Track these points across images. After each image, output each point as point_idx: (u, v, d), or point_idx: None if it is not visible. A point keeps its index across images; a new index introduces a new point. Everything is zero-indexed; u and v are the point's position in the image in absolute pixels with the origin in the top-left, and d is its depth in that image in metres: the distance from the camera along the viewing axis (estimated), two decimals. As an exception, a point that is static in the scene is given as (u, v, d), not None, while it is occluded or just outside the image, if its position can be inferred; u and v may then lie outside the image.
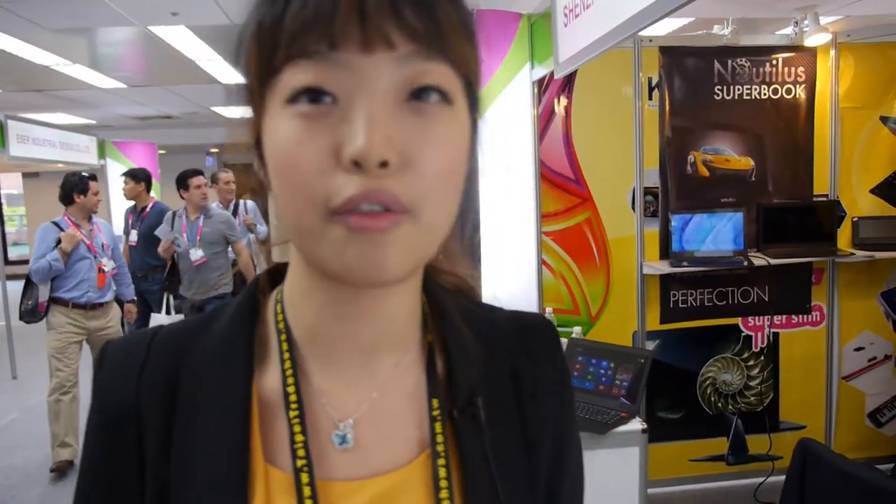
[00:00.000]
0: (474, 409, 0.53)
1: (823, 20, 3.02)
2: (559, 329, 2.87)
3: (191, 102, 8.62)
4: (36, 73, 6.21)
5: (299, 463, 0.49)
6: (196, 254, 4.21)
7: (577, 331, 2.66)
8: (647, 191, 3.06)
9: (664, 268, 2.98)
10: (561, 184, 3.05)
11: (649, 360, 2.27)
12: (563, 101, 3.05)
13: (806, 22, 3.02)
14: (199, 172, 4.34)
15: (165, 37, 5.07)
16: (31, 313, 3.83)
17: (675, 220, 3.04)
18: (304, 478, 0.49)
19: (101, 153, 7.75)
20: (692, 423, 3.24)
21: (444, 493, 0.51)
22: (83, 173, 4.06)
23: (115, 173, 8.48)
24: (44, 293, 3.79)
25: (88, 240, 3.88)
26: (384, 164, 0.41)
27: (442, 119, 0.44)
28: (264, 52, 0.44)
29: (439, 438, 0.52)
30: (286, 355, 0.52)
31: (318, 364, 0.53)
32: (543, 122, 3.04)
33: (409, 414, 0.54)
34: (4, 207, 13.47)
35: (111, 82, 6.82)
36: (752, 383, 3.28)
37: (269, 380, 0.53)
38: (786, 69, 3.11)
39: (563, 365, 0.61)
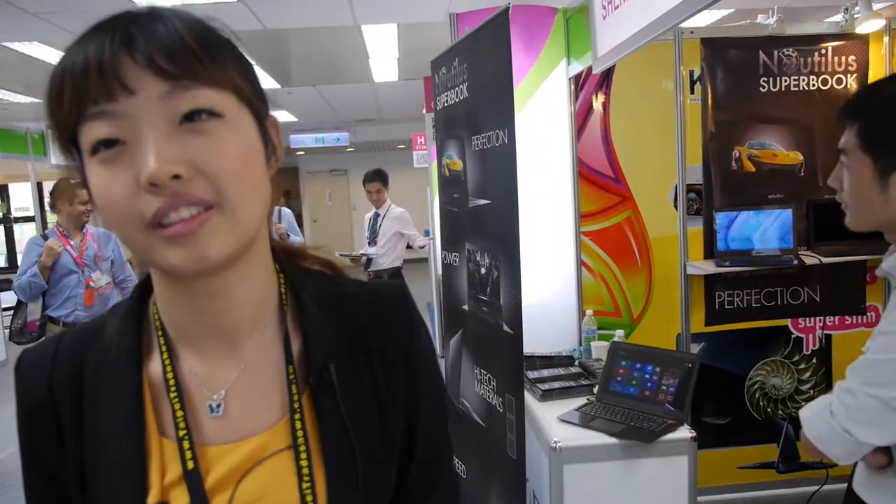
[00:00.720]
0: (327, 374, 0.64)
1: (876, 5, 2.87)
2: (600, 332, 2.79)
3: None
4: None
5: (181, 433, 0.61)
6: None
7: (619, 334, 2.57)
8: (690, 188, 2.95)
9: (709, 268, 2.87)
10: (600, 182, 2.96)
11: (697, 365, 2.17)
12: (601, 97, 2.96)
13: (857, 8, 2.88)
14: None
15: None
16: (19, 333, 3.58)
17: (720, 218, 2.93)
18: (186, 444, 0.60)
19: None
20: (740, 428, 3.11)
21: (300, 442, 0.61)
22: (73, 179, 4.00)
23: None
24: (34, 311, 3.55)
25: (76, 252, 3.58)
26: (177, 177, 0.52)
27: (216, 131, 0.54)
28: (58, 122, 0.55)
29: (295, 399, 0.63)
30: (163, 347, 0.63)
31: (190, 350, 0.64)
32: (581, 119, 2.96)
33: (272, 384, 0.64)
34: (47, 215, 13.80)
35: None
36: (804, 387, 3.14)
37: (154, 367, 0.64)
38: (836, 58, 2.97)
39: (409, 325, 0.71)
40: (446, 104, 2.57)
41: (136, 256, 0.57)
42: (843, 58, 2.97)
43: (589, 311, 2.82)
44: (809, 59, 2.96)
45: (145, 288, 0.67)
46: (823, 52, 2.96)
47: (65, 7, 4.00)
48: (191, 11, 0.57)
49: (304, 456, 0.61)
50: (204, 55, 0.54)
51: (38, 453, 0.64)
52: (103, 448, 0.61)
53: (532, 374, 2.51)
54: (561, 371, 2.55)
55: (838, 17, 3.01)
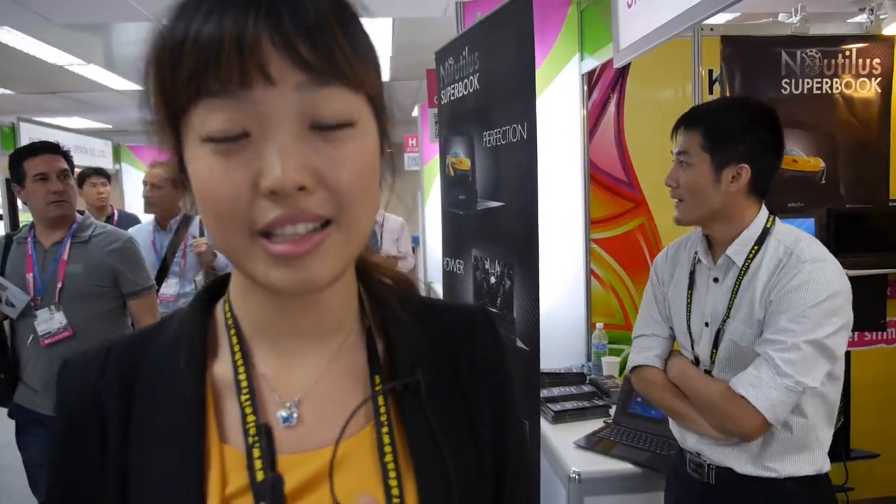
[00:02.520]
0: (414, 381, 0.58)
1: (904, 6, 2.73)
2: (611, 346, 2.60)
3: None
4: (49, 74, 6.03)
5: (251, 440, 0.54)
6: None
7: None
8: (707, 194, 2.78)
9: (727, 279, 2.70)
10: (612, 186, 2.78)
11: (727, 387, 1.98)
12: (615, 96, 2.78)
13: (883, 8, 2.74)
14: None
15: (182, 34, 4.85)
16: None
17: (738, 227, 2.76)
18: (256, 452, 0.53)
19: (117, 157, 7.58)
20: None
21: (388, 458, 0.55)
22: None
23: (131, 178, 8.32)
24: None
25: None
26: (302, 189, 0.46)
27: (347, 138, 0.48)
28: (167, 94, 0.47)
29: (382, 410, 0.56)
30: (236, 347, 0.57)
31: (265, 353, 0.58)
32: (593, 119, 2.78)
33: (353, 391, 0.58)
34: (20, 213, 13.37)
35: (127, 84, 6.63)
36: (821, 407, 2.97)
37: (221, 369, 0.58)
38: (860, 61, 2.82)
39: (498, 349, 0.66)
40: (452, 98, 2.37)
41: (228, 259, 0.52)
42: (868, 60, 2.82)
43: (599, 325, 2.64)
44: (833, 61, 2.80)
45: (212, 292, 0.62)
46: (847, 53, 2.81)
47: (38, -11, 3.75)
48: None
49: (392, 472, 0.54)
50: (346, 47, 0.47)
51: (72, 466, 0.57)
52: (155, 455, 0.54)
53: (541, 393, 2.31)
54: (573, 390, 2.36)
55: (862, 18, 2.86)
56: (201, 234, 3.17)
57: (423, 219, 5.87)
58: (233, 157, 0.46)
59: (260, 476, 0.52)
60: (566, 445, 1.99)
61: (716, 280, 1.51)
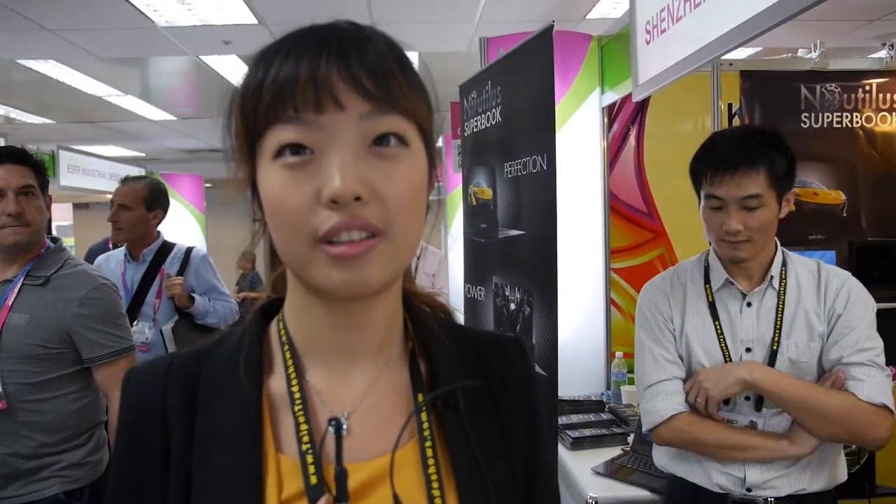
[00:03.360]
0: (455, 400, 0.62)
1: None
2: (630, 375, 2.61)
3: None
4: (88, 104, 6.27)
5: (304, 447, 0.58)
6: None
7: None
8: (727, 226, 2.81)
9: (747, 310, 2.70)
10: (632, 217, 2.82)
11: (746, 416, 1.99)
12: (635, 128, 2.84)
13: (903, 44, 2.77)
14: None
15: (217, 66, 5.05)
16: None
17: (758, 259, 2.77)
18: (309, 459, 0.57)
19: (149, 184, 7.76)
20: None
21: (432, 471, 0.59)
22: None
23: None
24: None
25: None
26: (358, 199, 0.52)
27: (400, 158, 0.55)
28: (248, 121, 0.55)
29: (425, 426, 0.61)
30: (289, 361, 0.62)
31: (317, 368, 0.62)
32: (613, 150, 2.83)
33: (398, 407, 0.63)
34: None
35: (161, 114, 6.86)
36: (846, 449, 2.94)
37: (275, 383, 0.62)
38: (880, 95, 2.85)
39: (529, 377, 0.71)
40: (475, 129, 2.44)
41: (290, 268, 0.59)
42: (888, 95, 2.85)
43: (619, 353, 2.65)
44: (853, 96, 2.83)
45: (267, 311, 0.67)
46: (867, 88, 2.84)
47: (84, 24, 3.94)
48: (385, 34, 0.57)
49: (435, 484, 0.59)
50: (403, 82, 0.55)
51: (136, 471, 0.61)
52: (215, 463, 0.58)
53: (560, 420, 2.33)
54: (591, 417, 2.37)
55: (882, 54, 2.90)
56: (179, 273, 2.71)
57: (446, 248, 5.94)
58: (299, 171, 0.53)
59: (313, 480, 0.56)
60: (584, 472, 2.00)
61: (749, 304, 1.51)
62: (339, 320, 0.61)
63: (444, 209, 5.84)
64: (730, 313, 1.53)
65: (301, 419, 0.59)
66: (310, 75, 0.52)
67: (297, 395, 0.60)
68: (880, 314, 2.74)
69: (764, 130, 1.58)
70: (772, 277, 1.51)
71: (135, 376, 0.64)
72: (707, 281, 1.58)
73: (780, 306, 1.49)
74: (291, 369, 0.61)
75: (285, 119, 0.53)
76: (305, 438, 0.58)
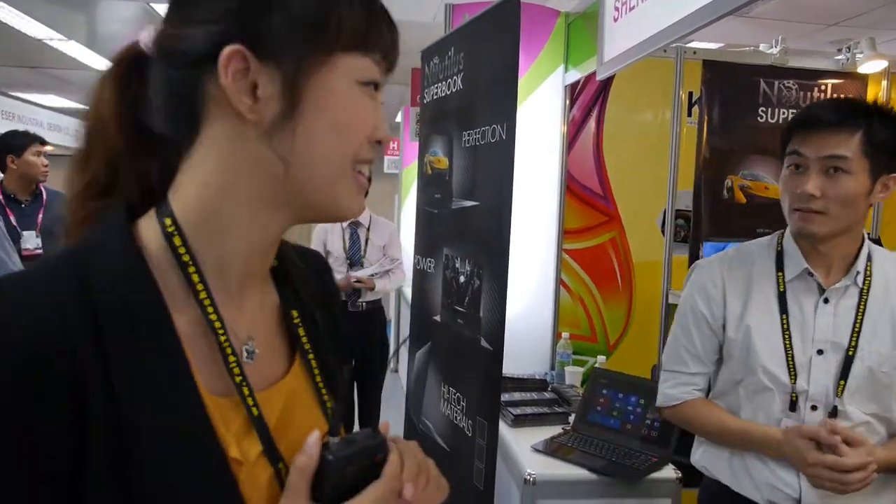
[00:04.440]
0: (315, 314, 0.68)
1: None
2: (575, 357, 2.61)
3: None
4: (28, 47, 5.92)
5: (237, 380, 0.56)
6: None
7: (601, 360, 2.39)
8: (679, 214, 2.82)
9: (693, 298, 2.73)
10: (587, 199, 2.81)
11: (686, 400, 2.00)
12: (595, 112, 2.82)
13: (859, 47, 2.82)
14: None
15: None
16: None
17: (707, 248, 2.80)
18: (245, 391, 0.56)
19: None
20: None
21: (318, 379, 0.65)
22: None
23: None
24: None
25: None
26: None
27: None
28: (362, 38, 0.58)
29: (304, 340, 0.65)
30: (199, 286, 0.55)
31: (217, 293, 0.57)
32: (573, 131, 2.80)
33: (279, 326, 0.65)
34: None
35: (107, 64, 6.52)
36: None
37: (183, 310, 0.55)
38: (834, 95, 2.89)
39: (331, 276, 0.79)
40: (435, 97, 2.37)
41: (316, 182, 0.58)
42: (841, 96, 2.90)
43: (565, 334, 2.65)
44: (809, 94, 2.87)
45: (128, 215, 0.57)
46: (823, 87, 2.88)
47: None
48: None
49: (324, 390, 0.65)
50: None
51: (32, 439, 0.46)
52: (152, 410, 0.50)
53: (503, 397, 2.31)
54: (534, 395, 2.36)
55: (840, 56, 2.94)
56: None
57: (399, 222, 5.86)
58: (373, 103, 0.59)
59: (255, 412, 0.55)
60: (524, 449, 1.98)
61: (826, 301, 1.32)
62: (272, 244, 0.61)
63: (400, 183, 5.76)
64: (802, 308, 1.33)
65: (228, 350, 0.56)
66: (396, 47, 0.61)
67: (217, 324, 0.56)
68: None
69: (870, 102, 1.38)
70: (857, 273, 1.32)
71: (7, 296, 0.49)
72: (780, 268, 1.37)
73: (862, 307, 1.30)
74: (203, 294, 0.55)
75: (381, 59, 0.59)
76: (237, 370, 0.56)
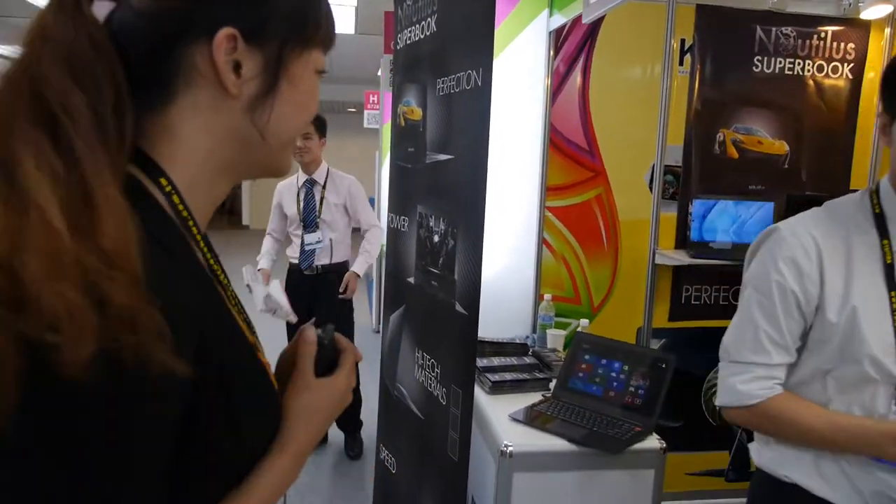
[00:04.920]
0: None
1: None
2: (557, 320, 2.50)
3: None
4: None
5: (243, 315, 0.68)
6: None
7: (583, 323, 2.28)
8: (668, 169, 2.68)
9: (681, 258, 2.61)
10: (572, 154, 2.66)
11: (671, 366, 1.90)
12: (580, 63, 2.65)
13: (863, -9, 2.65)
14: None
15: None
16: None
17: (697, 206, 2.67)
18: (242, 315, 0.68)
19: None
20: (693, 433, 2.90)
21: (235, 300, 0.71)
22: None
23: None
24: None
25: None
26: None
27: None
28: (325, 37, 0.68)
29: (221, 277, 0.69)
30: (199, 237, 0.63)
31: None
32: (557, 81, 2.63)
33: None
34: None
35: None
36: (762, 394, 2.95)
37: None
38: (834, 44, 2.74)
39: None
40: (409, 41, 2.19)
41: (274, 148, 0.67)
42: (842, 44, 2.74)
43: (547, 296, 2.53)
44: (807, 42, 2.72)
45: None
46: (823, 35, 2.72)
47: None
48: None
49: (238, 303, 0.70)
50: None
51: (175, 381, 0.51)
52: (232, 349, 0.61)
53: (481, 363, 2.20)
54: (514, 361, 2.25)
55: (843, 0, 2.78)
56: None
57: (381, 179, 5.69)
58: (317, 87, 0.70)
59: (252, 339, 0.66)
60: (501, 418, 1.88)
61: None
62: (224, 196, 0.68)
63: (380, 139, 5.56)
64: None
65: (231, 291, 0.66)
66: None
67: (217, 269, 0.64)
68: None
69: None
70: None
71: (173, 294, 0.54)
72: (884, 234, 1.14)
73: None
74: (202, 243, 0.63)
75: (327, 51, 0.69)
76: (239, 307, 0.68)
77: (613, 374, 1.96)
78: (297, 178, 3.36)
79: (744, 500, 1.40)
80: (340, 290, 3.32)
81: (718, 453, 2.94)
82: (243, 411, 0.60)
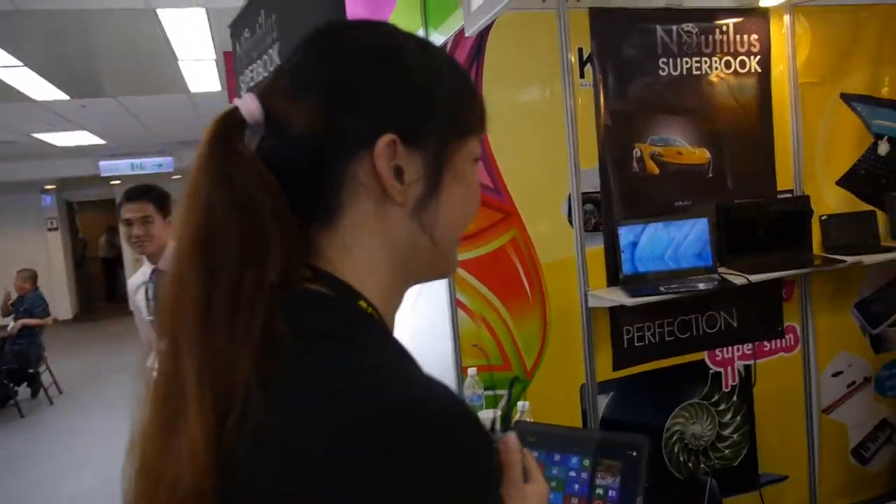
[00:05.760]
0: None
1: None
2: (489, 394, 2.03)
3: (6, 129, 7.16)
4: None
5: None
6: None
7: (523, 407, 1.82)
8: (587, 197, 2.32)
9: (617, 297, 2.24)
10: (475, 194, 2.24)
11: (646, 452, 1.47)
12: (468, 83, 2.25)
13: (757, -23, 2.43)
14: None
15: None
16: None
17: (624, 234, 2.32)
18: None
19: None
20: (660, 490, 2.51)
21: None
22: None
23: None
24: None
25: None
26: None
27: None
28: (480, 122, 0.64)
29: None
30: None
31: None
32: (445, 111, 2.22)
33: None
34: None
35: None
36: (726, 432, 2.61)
37: None
38: (738, 37, 2.50)
39: None
40: (252, 82, 1.71)
41: (442, 250, 0.62)
42: (746, 36, 2.51)
43: (471, 370, 2.08)
44: (711, 38, 2.46)
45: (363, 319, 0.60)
46: (725, 28, 2.47)
47: None
48: None
49: None
50: None
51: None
52: None
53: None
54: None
55: (739, -11, 2.55)
56: None
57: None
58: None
59: None
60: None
61: None
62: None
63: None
64: None
65: None
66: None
67: None
68: (752, 286, 2.43)
69: None
70: None
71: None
72: None
73: None
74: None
75: (481, 135, 0.65)
76: None
77: (573, 474, 1.51)
78: (144, 273, 2.70)
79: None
80: None
81: (690, 508, 2.57)
82: None
